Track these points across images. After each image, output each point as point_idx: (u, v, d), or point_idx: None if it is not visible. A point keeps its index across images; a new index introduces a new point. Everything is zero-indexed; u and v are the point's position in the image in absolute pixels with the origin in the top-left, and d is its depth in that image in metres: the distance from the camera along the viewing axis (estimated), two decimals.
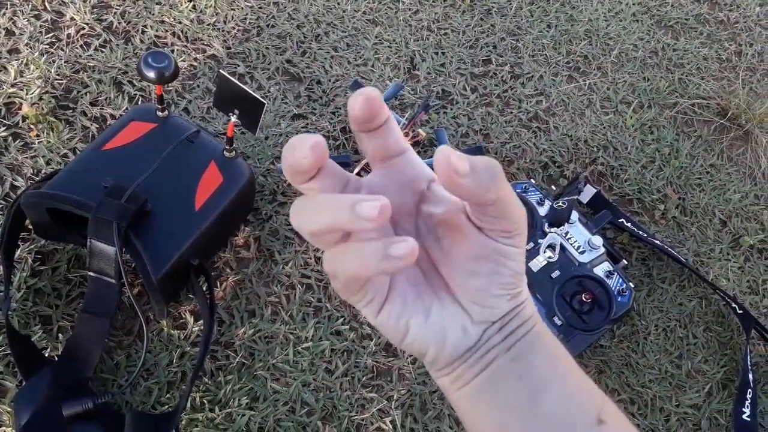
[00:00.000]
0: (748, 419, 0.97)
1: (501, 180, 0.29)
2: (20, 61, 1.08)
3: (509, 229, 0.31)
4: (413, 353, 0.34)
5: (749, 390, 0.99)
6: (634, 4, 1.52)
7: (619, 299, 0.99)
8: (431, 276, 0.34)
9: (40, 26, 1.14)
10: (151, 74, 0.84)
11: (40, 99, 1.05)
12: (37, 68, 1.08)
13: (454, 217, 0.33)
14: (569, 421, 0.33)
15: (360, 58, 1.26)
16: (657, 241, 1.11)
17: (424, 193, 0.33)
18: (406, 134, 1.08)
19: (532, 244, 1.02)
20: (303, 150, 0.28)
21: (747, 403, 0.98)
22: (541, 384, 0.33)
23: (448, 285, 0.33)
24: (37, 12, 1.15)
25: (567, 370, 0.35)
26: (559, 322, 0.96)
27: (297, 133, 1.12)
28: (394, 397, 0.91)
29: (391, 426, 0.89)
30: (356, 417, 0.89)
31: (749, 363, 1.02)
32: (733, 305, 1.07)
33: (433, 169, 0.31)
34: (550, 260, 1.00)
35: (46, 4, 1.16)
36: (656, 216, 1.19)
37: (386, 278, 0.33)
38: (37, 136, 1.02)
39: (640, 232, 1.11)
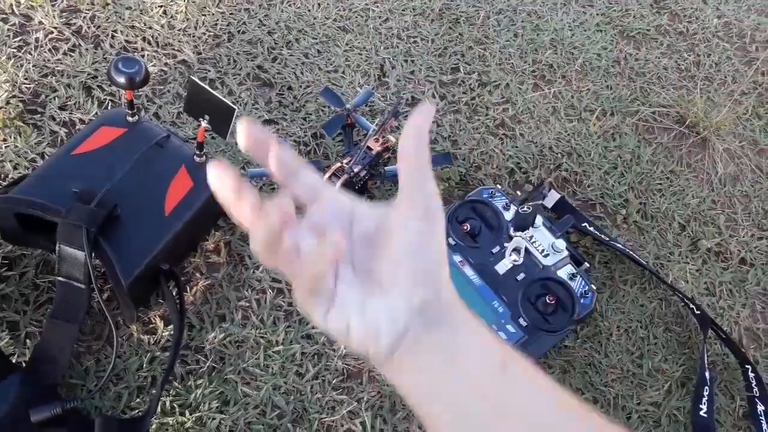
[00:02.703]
0: (705, 416, 1.01)
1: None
2: None
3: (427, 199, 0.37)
4: (361, 352, 0.37)
5: (706, 388, 1.03)
6: (597, 14, 1.56)
7: (582, 301, 1.02)
8: (365, 279, 0.38)
9: (8, 30, 1.13)
10: (122, 80, 0.84)
11: (8, 103, 1.04)
12: (4, 72, 1.07)
13: (384, 222, 0.38)
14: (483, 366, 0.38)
15: (331, 64, 1.28)
16: (619, 245, 1.15)
17: (353, 216, 0.39)
18: (377, 140, 1.10)
19: (498, 248, 1.05)
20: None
21: (704, 400, 1.02)
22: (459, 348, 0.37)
23: (382, 282, 0.37)
24: (4, 15, 1.14)
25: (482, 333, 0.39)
26: (524, 324, 0.99)
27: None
28: (364, 399, 0.93)
29: (361, 427, 0.90)
30: (327, 419, 0.90)
31: (706, 362, 1.06)
32: (691, 306, 1.11)
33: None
34: (516, 263, 1.03)
35: (14, 7, 1.16)
36: (618, 220, 1.23)
37: (331, 285, 0.37)
38: (4, 140, 1.01)
39: (603, 236, 1.15)
